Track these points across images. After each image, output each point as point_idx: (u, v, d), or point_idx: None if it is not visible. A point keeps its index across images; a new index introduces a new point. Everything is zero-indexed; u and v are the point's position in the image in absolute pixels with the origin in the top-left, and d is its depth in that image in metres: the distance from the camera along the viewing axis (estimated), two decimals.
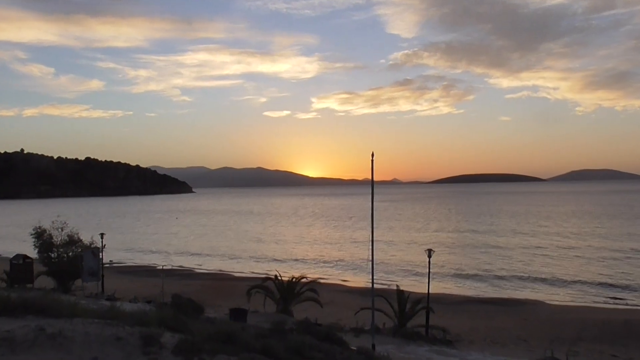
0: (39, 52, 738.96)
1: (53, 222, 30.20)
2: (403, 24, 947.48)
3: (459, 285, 39.07)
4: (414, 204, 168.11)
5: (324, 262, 51.77)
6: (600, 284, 37.59)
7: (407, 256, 53.08)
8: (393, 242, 64.53)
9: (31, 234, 30.20)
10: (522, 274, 42.12)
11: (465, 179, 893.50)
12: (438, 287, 36.59)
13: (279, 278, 25.56)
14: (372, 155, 17.26)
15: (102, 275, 31.65)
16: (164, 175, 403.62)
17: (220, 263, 52.60)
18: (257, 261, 52.89)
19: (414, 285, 37.02)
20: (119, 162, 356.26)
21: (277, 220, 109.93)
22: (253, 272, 45.94)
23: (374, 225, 18.50)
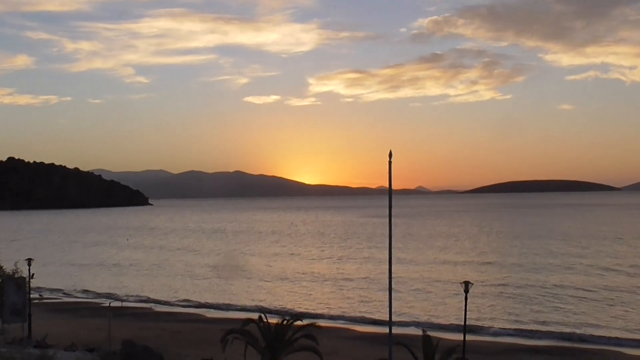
0: None
1: None
2: None
3: (503, 328, 39.19)
4: (444, 221, 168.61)
5: (326, 298, 51.88)
6: None
7: (436, 291, 53.18)
8: (417, 271, 64.72)
9: None
10: (587, 317, 42.18)
11: (511, 187, 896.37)
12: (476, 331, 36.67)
13: (265, 320, 25.53)
14: (390, 155, 17.14)
15: (29, 315, 31.71)
16: (112, 181, 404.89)
17: (189, 298, 52.93)
18: (236, 297, 52.99)
19: (445, 330, 37.05)
20: (52, 165, 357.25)
21: (261, 243, 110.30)
22: (231, 311, 46.23)
23: (392, 251, 18.66)
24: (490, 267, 66.74)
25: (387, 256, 18.47)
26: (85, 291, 58.10)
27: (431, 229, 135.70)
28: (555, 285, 53.68)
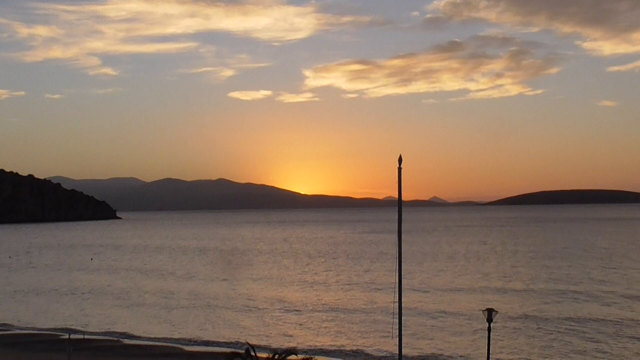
0: None
1: None
2: None
3: None
4: (462, 238, 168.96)
5: (323, 330, 51.90)
6: None
7: (453, 320, 53.24)
8: (431, 298, 64.99)
9: None
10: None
11: (542, 198, 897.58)
12: None
13: (254, 354, 25.60)
14: (400, 160, 17.35)
15: None
16: (73, 191, 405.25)
17: (163, 329, 52.96)
18: (219, 328, 53.02)
19: None
20: (1, 171, 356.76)
21: (247, 264, 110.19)
22: (213, 346, 46.25)
23: (401, 273, 18.66)
24: (516, 294, 66.80)
25: (396, 280, 18.51)
26: (41, 321, 57.88)
27: (447, 247, 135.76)
28: (592, 319, 53.08)
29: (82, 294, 75.29)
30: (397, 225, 19.11)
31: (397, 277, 19.54)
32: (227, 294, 71.35)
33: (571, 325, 50.35)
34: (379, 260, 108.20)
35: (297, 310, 60.01)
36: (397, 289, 19.84)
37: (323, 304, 63.12)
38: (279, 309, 60.82)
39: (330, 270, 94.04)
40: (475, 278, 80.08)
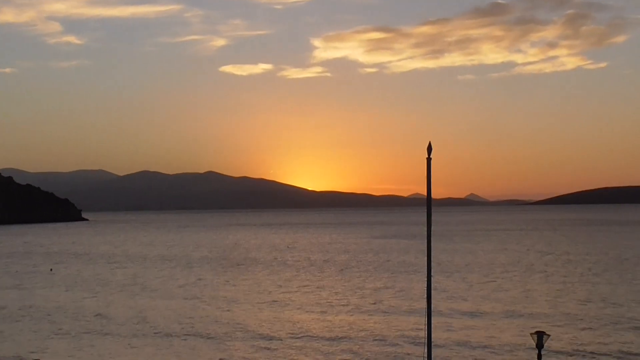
0: None
1: None
2: None
3: None
4: (504, 244, 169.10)
5: (340, 349, 51.56)
6: None
7: (493, 345, 53.35)
8: (465, 318, 64.96)
9: None
10: None
11: (603, 196, 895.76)
12: None
13: None
14: (429, 149, 17.44)
15: None
16: (28, 186, 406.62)
17: None
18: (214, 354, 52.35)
19: None
20: None
21: (240, 278, 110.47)
22: None
23: (431, 287, 18.52)
24: (567, 319, 66.32)
25: (425, 300, 18.21)
26: None
27: (485, 256, 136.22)
28: None
29: (40, 315, 74.84)
30: (425, 230, 19.28)
31: (426, 296, 19.61)
32: (216, 317, 70.99)
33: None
34: (402, 272, 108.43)
35: (299, 338, 59.73)
36: (426, 312, 19.88)
37: (331, 330, 62.77)
38: (278, 337, 60.43)
39: (343, 286, 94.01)
40: (518, 296, 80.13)
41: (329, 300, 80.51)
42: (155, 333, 62.82)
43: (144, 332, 63.46)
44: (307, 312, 72.90)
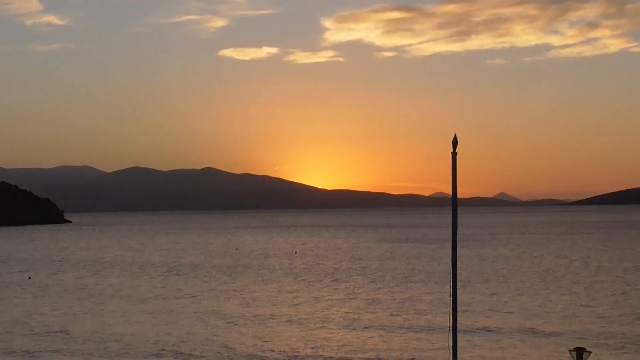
0: None
1: None
2: None
3: None
4: (538, 250, 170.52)
5: None
6: None
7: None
8: (495, 328, 64.94)
9: None
10: None
11: None
12: None
13: None
14: (454, 143, 17.89)
15: None
16: (4, 184, 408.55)
17: None
18: None
19: None
20: None
21: (243, 285, 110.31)
22: None
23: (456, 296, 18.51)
24: (607, 334, 65.83)
25: (450, 315, 18.77)
26: None
27: (515, 263, 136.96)
28: None
29: (17, 329, 74.61)
30: (449, 234, 19.48)
31: (450, 309, 19.56)
32: (207, 337, 70.55)
33: None
34: (423, 282, 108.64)
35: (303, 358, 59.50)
36: (451, 327, 19.83)
37: (341, 351, 62.50)
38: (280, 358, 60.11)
39: (356, 299, 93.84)
40: (552, 309, 79.74)
41: (341, 315, 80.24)
42: (124, 354, 61.76)
43: (109, 352, 62.40)
44: (315, 329, 72.33)
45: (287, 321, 76.61)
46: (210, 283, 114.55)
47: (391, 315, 79.06)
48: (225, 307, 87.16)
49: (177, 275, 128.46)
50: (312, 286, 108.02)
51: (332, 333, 69.24)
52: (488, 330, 67.08)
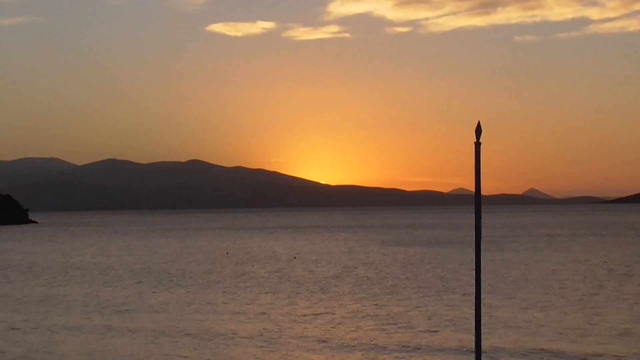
0: None
1: None
2: None
3: None
4: (571, 253, 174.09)
5: None
6: None
7: None
8: (524, 349, 64.43)
9: None
10: None
11: None
12: None
13: None
14: (478, 132, 18.09)
15: None
16: None
17: None
18: None
19: None
20: None
21: (234, 295, 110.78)
22: None
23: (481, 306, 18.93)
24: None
25: (472, 328, 17.29)
26: None
27: (546, 270, 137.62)
28: None
29: None
30: (473, 234, 19.81)
31: (474, 323, 20.44)
32: (193, 357, 70.18)
33: None
34: (442, 291, 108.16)
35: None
36: (475, 344, 20.33)
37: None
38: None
39: (363, 313, 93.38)
40: (568, 327, 78.71)
41: (343, 331, 79.04)
42: None
43: None
44: (314, 349, 71.65)
45: (262, 340, 76.27)
46: (195, 292, 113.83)
47: (400, 327, 77.68)
48: (213, 322, 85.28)
49: (153, 285, 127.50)
50: (309, 296, 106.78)
51: (308, 352, 68.51)
52: (515, 347, 66.46)
